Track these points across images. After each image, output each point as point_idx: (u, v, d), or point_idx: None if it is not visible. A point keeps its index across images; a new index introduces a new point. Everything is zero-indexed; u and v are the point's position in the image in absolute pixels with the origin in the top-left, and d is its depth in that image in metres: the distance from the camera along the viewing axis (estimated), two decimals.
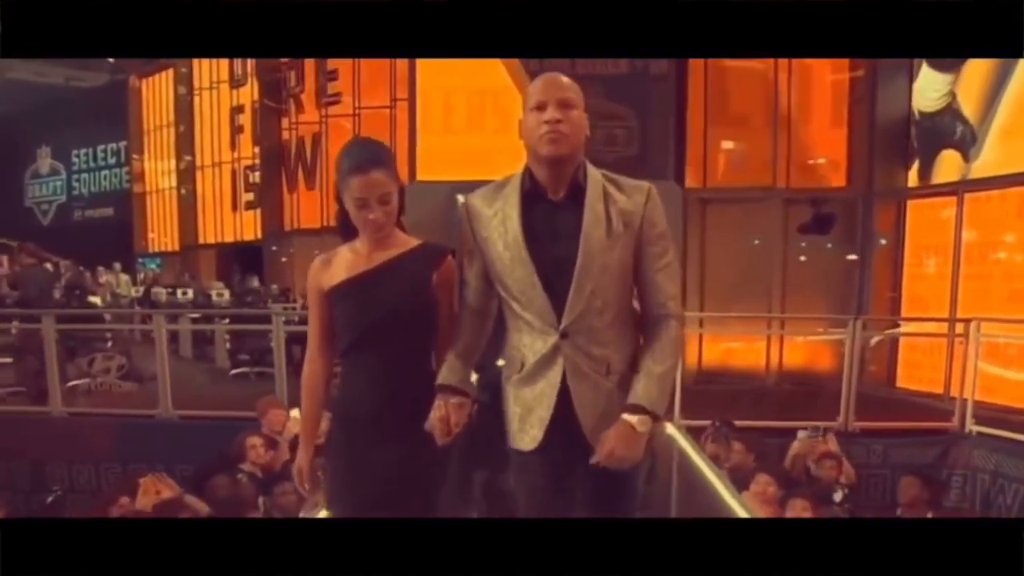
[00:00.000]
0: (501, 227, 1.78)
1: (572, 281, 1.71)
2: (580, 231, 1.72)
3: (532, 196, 1.78)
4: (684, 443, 4.70)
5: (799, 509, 3.52)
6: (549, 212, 1.77)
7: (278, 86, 12.55)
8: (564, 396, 1.75)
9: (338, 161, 1.90)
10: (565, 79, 1.76)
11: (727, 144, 8.09)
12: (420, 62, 9.50)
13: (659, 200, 1.76)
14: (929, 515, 4.12)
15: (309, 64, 11.85)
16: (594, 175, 1.78)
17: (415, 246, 1.97)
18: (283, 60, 12.25)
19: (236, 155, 14.32)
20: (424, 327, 1.93)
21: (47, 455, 5.73)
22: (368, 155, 1.89)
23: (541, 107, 1.72)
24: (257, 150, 13.31)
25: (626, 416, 1.68)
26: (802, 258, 7.75)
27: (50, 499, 5.26)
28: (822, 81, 7.90)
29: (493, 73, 8.04)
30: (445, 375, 1.83)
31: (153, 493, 3.71)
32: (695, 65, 7.94)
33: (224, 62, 14.34)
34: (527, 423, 1.79)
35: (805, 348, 7.71)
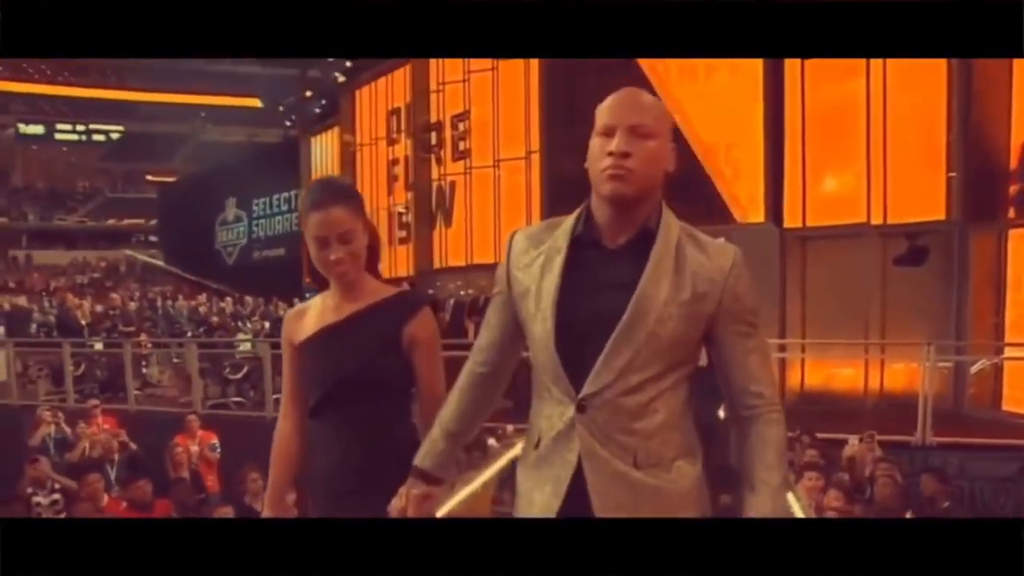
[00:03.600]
0: (539, 272, 1.47)
1: (607, 342, 1.40)
2: (634, 284, 1.40)
3: (585, 242, 1.46)
4: None
5: (832, 498, 4.38)
6: (600, 260, 1.45)
7: (427, 142, 14.29)
8: (579, 484, 1.44)
9: (301, 202, 1.78)
10: (646, 98, 1.45)
11: (825, 183, 8.75)
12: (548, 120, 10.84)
13: (746, 270, 1.45)
14: (945, 504, 4.81)
15: (446, 128, 13.41)
16: (670, 225, 1.45)
17: (389, 296, 1.81)
18: (429, 122, 13.96)
19: (391, 201, 16.26)
20: (398, 387, 1.79)
21: (262, 449, 7.42)
22: (329, 192, 1.76)
23: (608, 133, 1.41)
24: (410, 196, 15.14)
25: None
26: (900, 288, 8.23)
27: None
28: (919, 114, 8.28)
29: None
30: (421, 454, 1.61)
31: None
32: (792, 105, 8.74)
33: (383, 122, 16.38)
34: (533, 510, 1.49)
35: (905, 373, 8.19)
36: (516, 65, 11.78)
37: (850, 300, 8.26)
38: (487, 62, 12.35)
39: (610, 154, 1.40)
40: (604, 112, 1.44)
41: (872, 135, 8.38)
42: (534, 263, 1.50)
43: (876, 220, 8.29)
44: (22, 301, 17.55)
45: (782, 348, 8.39)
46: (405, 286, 1.94)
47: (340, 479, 1.77)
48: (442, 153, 13.65)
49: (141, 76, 36.66)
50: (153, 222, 31.81)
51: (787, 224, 8.77)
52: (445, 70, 13.33)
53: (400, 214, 15.74)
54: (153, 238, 32.08)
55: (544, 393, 1.50)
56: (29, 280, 27.06)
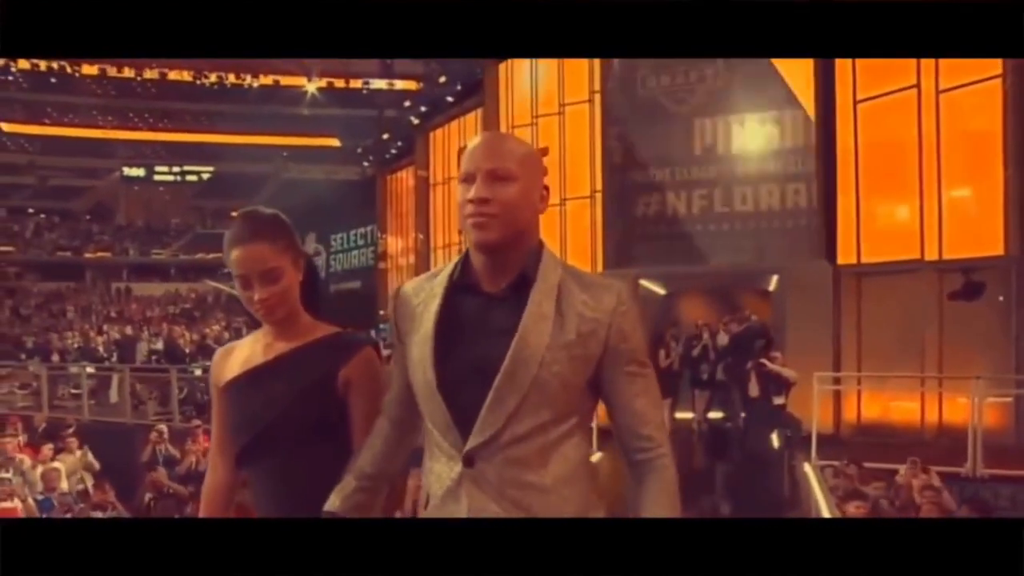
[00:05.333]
0: (420, 320, 1.45)
1: (490, 391, 1.35)
2: (515, 330, 1.37)
3: (462, 287, 1.44)
4: (812, 477, 6.02)
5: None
6: (481, 306, 1.42)
7: None
8: None
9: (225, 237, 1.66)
10: (508, 142, 1.46)
11: (879, 220, 8.95)
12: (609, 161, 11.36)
13: (633, 307, 1.43)
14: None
15: None
16: (550, 266, 1.43)
17: (324, 336, 1.71)
18: None
19: (463, 238, 16.98)
20: (331, 434, 1.66)
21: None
22: (250, 226, 1.65)
23: (468, 179, 1.40)
24: None
25: None
26: (958, 323, 8.33)
27: None
28: (975, 147, 8.38)
29: None
30: (331, 499, 1.54)
31: None
32: (844, 141, 8.97)
33: (455, 161, 17.20)
34: None
35: (966, 406, 8.26)
36: (581, 109, 12.39)
37: (907, 335, 8.41)
38: (553, 106, 12.99)
39: (470, 201, 1.38)
40: (465, 159, 1.42)
41: (925, 170, 8.55)
42: (415, 312, 1.48)
43: (931, 256, 8.46)
44: (128, 331, 19.11)
45: (836, 381, 8.63)
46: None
47: None
48: None
49: (230, 120, 39.16)
50: None
51: (841, 261, 9.04)
52: (514, 115, 14.04)
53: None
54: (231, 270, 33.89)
55: (434, 449, 1.44)
56: (128, 310, 29.04)
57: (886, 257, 8.78)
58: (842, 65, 9.15)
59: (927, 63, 8.46)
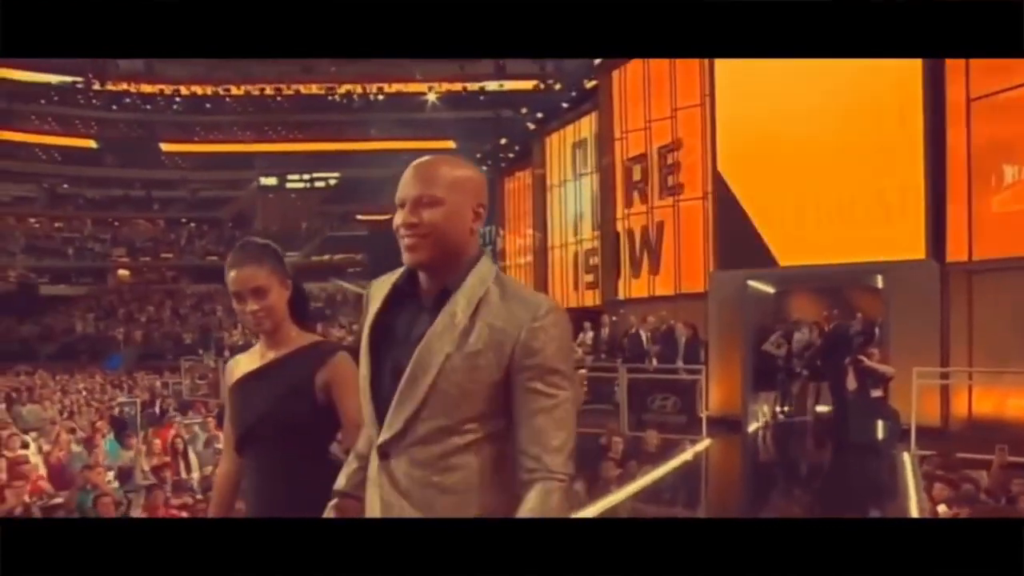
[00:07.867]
0: (368, 314, 1.60)
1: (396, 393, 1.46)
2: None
3: (403, 292, 1.55)
4: (908, 464, 6.52)
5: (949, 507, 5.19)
6: (413, 313, 1.53)
7: (612, 180, 15.38)
8: None
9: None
10: (435, 168, 1.49)
11: (992, 216, 8.93)
12: (723, 162, 11.74)
13: (559, 327, 1.45)
14: None
15: (653, 162, 13.79)
16: (477, 279, 1.48)
17: (304, 345, 1.92)
18: (628, 156, 14.40)
19: (578, 238, 17.67)
20: (309, 430, 1.84)
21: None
22: (244, 252, 1.93)
23: (401, 205, 1.48)
24: (596, 234, 16.39)
25: None
26: None
27: None
28: None
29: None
30: (339, 479, 1.68)
31: None
32: (955, 140, 9.03)
33: (569, 162, 17.82)
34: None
35: None
36: (693, 112, 12.78)
37: (1021, 331, 8.42)
38: (666, 110, 13.42)
39: (400, 226, 1.48)
40: (398, 187, 1.50)
41: None
42: (368, 307, 1.62)
43: None
44: None
45: (942, 376, 8.82)
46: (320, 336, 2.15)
47: (258, 516, 1.91)
48: (647, 190, 13.96)
49: (355, 128, 41.67)
50: (359, 256, 36.16)
51: (951, 259, 9.12)
52: (627, 119, 14.56)
53: (587, 254, 16.81)
54: (357, 270, 36.40)
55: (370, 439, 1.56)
56: None
57: (1000, 253, 8.80)
58: (953, 64, 9.18)
59: None
